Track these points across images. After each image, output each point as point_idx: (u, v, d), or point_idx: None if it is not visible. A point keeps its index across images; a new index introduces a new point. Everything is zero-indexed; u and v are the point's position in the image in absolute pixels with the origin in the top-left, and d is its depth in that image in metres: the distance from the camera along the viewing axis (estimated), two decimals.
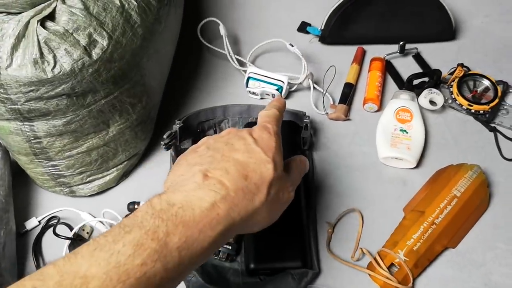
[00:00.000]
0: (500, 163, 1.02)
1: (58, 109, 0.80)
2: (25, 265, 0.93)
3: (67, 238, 0.89)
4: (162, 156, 1.05)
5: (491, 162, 1.01)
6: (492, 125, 1.07)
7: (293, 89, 1.14)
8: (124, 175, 1.01)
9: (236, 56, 1.17)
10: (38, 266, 0.91)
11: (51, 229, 0.95)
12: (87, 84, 0.79)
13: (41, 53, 0.74)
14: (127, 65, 0.83)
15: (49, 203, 0.99)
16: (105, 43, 0.78)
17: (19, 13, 0.76)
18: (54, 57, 0.74)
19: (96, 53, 0.77)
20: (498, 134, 1.06)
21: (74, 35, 0.76)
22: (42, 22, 0.75)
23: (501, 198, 0.97)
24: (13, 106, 0.79)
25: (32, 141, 0.86)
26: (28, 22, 0.75)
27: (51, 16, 0.76)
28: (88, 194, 0.99)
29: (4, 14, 0.76)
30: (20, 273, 0.91)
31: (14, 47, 0.74)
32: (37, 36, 0.74)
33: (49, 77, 0.75)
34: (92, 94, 0.82)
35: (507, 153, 1.03)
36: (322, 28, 1.20)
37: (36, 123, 0.83)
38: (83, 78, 0.77)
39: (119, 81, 0.84)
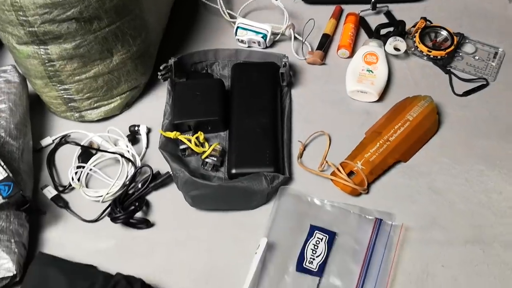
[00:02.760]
0: (451, 98, 1.11)
1: (68, 33, 0.90)
2: (41, 174, 1.03)
3: (77, 144, 1.00)
4: (161, 92, 1.15)
5: (444, 97, 1.11)
6: (448, 68, 1.16)
7: (277, 39, 1.23)
8: (127, 105, 1.11)
9: (228, 10, 1.26)
10: (51, 175, 1.01)
11: (63, 147, 1.05)
12: (93, 11, 0.89)
13: None
14: None
15: (61, 126, 1.09)
16: None
17: None
18: None
19: None
20: (453, 76, 1.15)
21: None
22: None
23: (449, 125, 1.06)
24: (30, 29, 0.89)
25: (47, 64, 0.96)
26: None
27: None
28: (96, 119, 1.09)
29: None
30: (36, 181, 1.01)
31: None
32: None
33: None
34: (97, 21, 0.92)
35: (458, 90, 1.12)
36: None
37: (50, 47, 0.93)
38: (90, 3, 0.87)
39: (121, 12, 0.94)
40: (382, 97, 1.11)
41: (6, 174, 0.84)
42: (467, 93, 1.11)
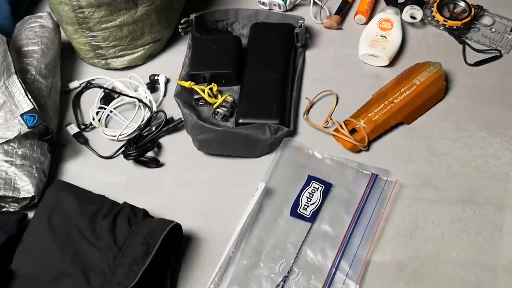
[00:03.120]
0: (462, 67, 1.12)
1: None
2: (66, 114, 1.10)
3: (100, 87, 1.06)
4: (183, 47, 1.19)
5: (455, 65, 1.12)
6: (463, 38, 1.17)
7: (297, 2, 1.26)
8: (150, 57, 1.17)
9: None
10: (76, 114, 1.08)
11: (88, 90, 1.12)
12: None
13: None
14: None
15: (88, 72, 1.16)
16: None
17: None
18: None
19: None
20: (466, 46, 1.16)
21: None
22: None
23: (456, 93, 1.08)
24: None
25: (77, 10, 1.02)
26: None
27: None
28: (120, 67, 1.15)
29: None
30: (62, 120, 1.08)
31: None
32: None
33: None
34: None
35: (470, 60, 1.13)
36: None
37: None
38: None
39: None
40: (393, 62, 1.13)
41: (32, 106, 0.91)
42: (479, 63, 1.12)
